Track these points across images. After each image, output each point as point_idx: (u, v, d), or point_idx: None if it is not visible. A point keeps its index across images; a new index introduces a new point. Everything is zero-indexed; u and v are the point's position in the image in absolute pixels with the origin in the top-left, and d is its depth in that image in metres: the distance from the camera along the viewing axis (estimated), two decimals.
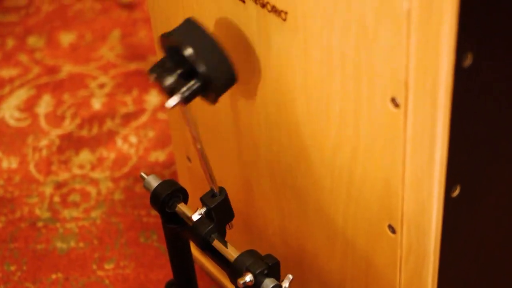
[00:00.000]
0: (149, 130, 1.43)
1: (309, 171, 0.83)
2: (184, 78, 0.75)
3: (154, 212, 1.27)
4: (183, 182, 1.12)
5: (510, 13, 0.64)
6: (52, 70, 1.61)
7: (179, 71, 0.75)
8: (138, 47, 1.66)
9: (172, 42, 0.75)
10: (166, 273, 1.17)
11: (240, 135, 0.92)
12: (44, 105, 1.52)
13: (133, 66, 1.59)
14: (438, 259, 0.75)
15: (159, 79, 0.75)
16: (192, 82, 0.75)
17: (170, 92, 0.75)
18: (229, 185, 0.99)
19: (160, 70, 0.75)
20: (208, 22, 0.85)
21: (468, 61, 0.63)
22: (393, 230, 0.76)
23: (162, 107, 1.47)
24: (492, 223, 0.80)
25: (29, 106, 1.52)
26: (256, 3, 0.77)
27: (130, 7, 1.79)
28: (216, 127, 0.96)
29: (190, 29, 0.75)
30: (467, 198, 0.72)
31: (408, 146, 0.69)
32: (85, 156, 1.40)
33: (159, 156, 1.38)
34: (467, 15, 0.59)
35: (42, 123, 1.48)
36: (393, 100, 0.67)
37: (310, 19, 0.71)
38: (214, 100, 0.77)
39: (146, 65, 1.59)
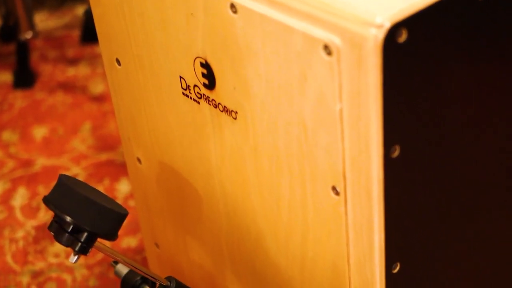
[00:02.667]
0: None
1: (266, 257, 0.90)
2: (78, 231, 0.81)
3: None
4: (153, 267, 1.18)
5: (429, 107, 0.72)
6: (27, 164, 1.68)
7: (70, 228, 0.80)
8: (108, 138, 1.73)
9: (52, 209, 0.82)
10: None
11: (203, 225, 0.99)
12: (20, 197, 1.58)
13: (104, 157, 1.66)
14: None
15: (56, 238, 0.82)
16: (84, 236, 0.81)
17: (68, 247, 0.82)
18: (196, 271, 1.05)
19: (56, 227, 0.82)
20: (169, 121, 0.93)
21: (396, 152, 0.71)
22: None
23: (132, 195, 1.54)
24: None
25: (5, 199, 1.58)
26: (209, 103, 0.85)
27: (100, 99, 1.88)
28: (182, 217, 1.03)
29: (64, 192, 0.80)
30: (407, 273, 0.80)
31: (350, 231, 0.76)
32: (60, 246, 1.45)
33: (131, 242, 1.45)
34: (392, 112, 0.68)
35: (18, 215, 1.54)
36: (334, 189, 0.75)
37: (257, 119, 0.79)
38: (111, 238, 0.83)
39: (116, 155, 1.67)
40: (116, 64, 0.98)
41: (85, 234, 0.81)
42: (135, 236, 1.46)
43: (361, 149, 0.70)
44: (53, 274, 1.40)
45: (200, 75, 0.84)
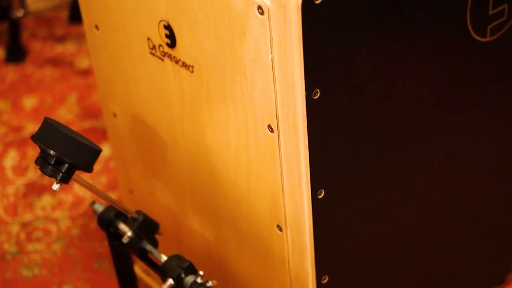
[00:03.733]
0: (102, 176, 1.66)
1: (220, 192, 1.07)
2: (59, 163, 0.96)
3: (105, 244, 1.49)
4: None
5: (343, 55, 0.88)
6: (17, 129, 1.84)
7: (53, 160, 0.96)
8: (91, 108, 1.90)
9: (38, 144, 0.97)
10: None
11: (168, 168, 1.16)
12: (10, 159, 1.75)
13: (87, 124, 1.83)
14: (313, 249, 0.98)
15: (42, 169, 0.97)
16: (65, 167, 0.96)
17: (51, 176, 0.97)
18: (162, 213, 1.22)
19: (41, 161, 0.97)
20: (139, 78, 1.10)
21: (317, 95, 0.87)
22: (280, 229, 0.99)
23: (112, 158, 1.70)
24: (360, 219, 1.03)
25: None
26: (171, 60, 1.01)
27: (85, 74, 2.04)
28: (151, 163, 1.19)
29: (48, 131, 0.96)
30: (332, 199, 0.96)
31: (284, 163, 0.93)
32: (46, 200, 1.62)
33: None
34: (311, 59, 0.84)
35: (9, 174, 1.70)
36: (269, 127, 0.91)
37: (209, 71, 0.96)
38: (88, 170, 0.99)
39: (98, 123, 1.83)
40: (95, 29, 1.15)
41: (66, 165, 0.97)
42: (114, 192, 1.62)
43: (289, 92, 0.87)
44: (40, 225, 1.56)
45: (163, 36, 1.00)
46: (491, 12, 0.99)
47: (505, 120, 1.13)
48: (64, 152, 0.97)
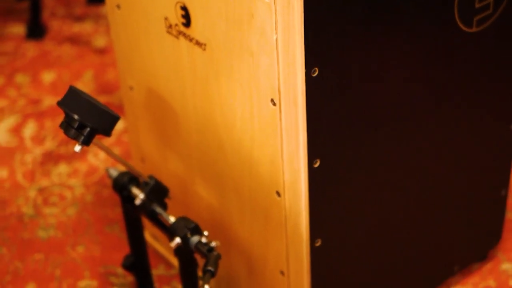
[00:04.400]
0: (115, 148, 1.77)
1: (225, 160, 1.17)
2: (82, 127, 1.07)
3: (117, 210, 1.60)
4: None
5: (341, 39, 0.98)
6: (36, 102, 1.95)
7: (76, 124, 1.07)
8: (107, 84, 2.00)
9: (64, 109, 1.08)
10: (125, 254, 1.49)
11: (179, 138, 1.26)
12: (29, 129, 1.86)
13: (102, 99, 1.93)
14: (308, 214, 1.08)
15: (65, 133, 1.08)
16: (86, 131, 1.06)
17: (74, 139, 1.08)
18: (172, 180, 1.32)
19: (65, 125, 1.08)
20: (155, 54, 1.20)
21: (316, 73, 0.97)
22: (279, 195, 1.10)
23: (125, 131, 1.81)
24: (352, 189, 1.13)
25: (16, 130, 1.85)
26: (186, 39, 1.11)
27: (101, 52, 2.15)
28: (163, 133, 1.30)
29: (73, 97, 1.07)
30: (326, 169, 1.06)
31: (284, 133, 1.03)
32: (62, 168, 1.73)
33: (122, 168, 1.71)
34: (313, 41, 0.94)
35: (28, 143, 1.81)
36: (272, 101, 1.01)
37: (219, 49, 1.06)
38: (107, 134, 1.09)
39: (113, 98, 1.94)
40: (117, 9, 1.25)
41: (88, 129, 1.08)
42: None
43: (290, 70, 0.97)
44: (56, 191, 1.67)
45: (180, 16, 1.11)
46: (477, 5, 1.09)
47: (487, 107, 1.23)
48: (87, 117, 1.07)
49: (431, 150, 1.19)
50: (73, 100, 1.08)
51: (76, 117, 1.07)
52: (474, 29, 1.11)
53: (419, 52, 1.07)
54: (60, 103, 1.09)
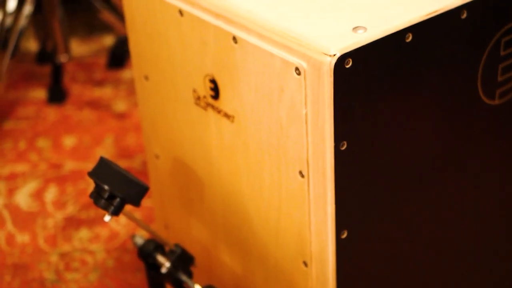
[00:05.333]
0: (136, 213, 1.79)
1: (250, 229, 1.18)
2: (112, 197, 1.09)
3: (138, 275, 1.61)
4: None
5: (370, 114, 1.00)
6: (57, 167, 1.97)
7: (107, 195, 1.09)
8: (127, 149, 2.03)
9: (94, 180, 1.10)
10: None
11: (203, 206, 1.28)
12: (51, 194, 1.88)
13: (123, 164, 1.96)
14: (335, 285, 1.09)
15: (96, 203, 1.10)
16: (116, 201, 1.09)
17: (104, 209, 1.10)
18: (196, 246, 1.34)
19: (95, 195, 1.10)
20: (182, 124, 1.23)
21: (344, 146, 0.99)
22: (306, 265, 1.11)
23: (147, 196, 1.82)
24: (380, 259, 1.14)
25: (38, 195, 1.87)
26: (214, 110, 1.14)
27: (121, 117, 2.18)
28: (187, 201, 1.32)
29: (103, 167, 1.09)
30: (353, 239, 1.07)
31: (312, 204, 1.05)
32: (84, 233, 1.75)
33: (144, 233, 1.73)
34: (341, 116, 0.96)
35: (49, 207, 1.83)
36: (300, 172, 1.03)
37: (248, 121, 1.08)
38: (136, 204, 1.11)
39: (133, 163, 1.96)
40: (144, 80, 1.28)
41: (117, 199, 1.10)
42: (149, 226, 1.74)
43: (319, 143, 0.99)
44: (78, 256, 1.69)
45: (208, 89, 1.13)
46: (500, 79, 1.11)
47: (507, 178, 1.24)
48: (117, 188, 1.09)
49: (456, 215, 1.20)
50: (103, 171, 1.10)
51: (106, 187, 1.09)
52: (496, 102, 1.13)
53: (443, 123, 1.09)
54: (91, 174, 1.11)
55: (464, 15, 1.03)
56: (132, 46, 1.29)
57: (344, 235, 1.06)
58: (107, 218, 1.10)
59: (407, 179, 1.10)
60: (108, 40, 2.56)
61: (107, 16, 2.34)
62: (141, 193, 1.11)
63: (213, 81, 1.11)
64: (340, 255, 1.07)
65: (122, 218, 1.78)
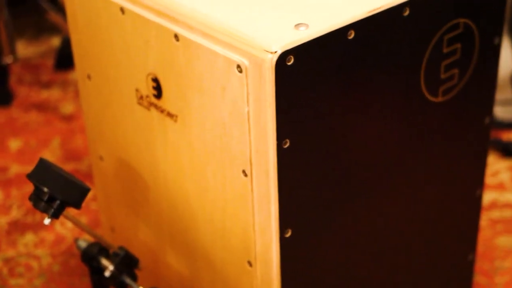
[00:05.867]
0: (83, 216, 1.76)
1: (197, 230, 1.17)
2: (51, 200, 1.07)
3: (84, 280, 1.58)
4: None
5: (312, 111, 1.00)
6: (2, 170, 1.93)
7: (46, 197, 1.07)
8: (74, 151, 2.00)
9: (33, 182, 1.08)
10: None
11: (149, 208, 1.26)
12: None
13: (70, 166, 1.93)
14: (280, 285, 1.08)
15: (35, 206, 1.07)
16: (56, 204, 1.06)
17: (43, 212, 1.07)
18: (142, 249, 1.32)
19: (34, 197, 1.07)
20: (127, 124, 1.21)
21: (287, 144, 0.98)
22: (250, 265, 1.10)
23: (94, 199, 1.80)
24: (324, 257, 1.13)
25: None
26: (157, 109, 1.12)
27: (68, 119, 2.15)
28: (133, 203, 1.30)
29: (43, 169, 1.07)
30: (298, 238, 1.07)
31: (255, 204, 1.04)
32: (29, 238, 1.71)
33: (89, 237, 1.70)
34: (283, 114, 0.96)
35: None
36: (244, 172, 1.02)
37: (191, 121, 1.07)
38: (77, 207, 1.09)
39: (80, 165, 1.93)
40: (87, 79, 1.26)
41: (57, 202, 1.07)
42: (95, 230, 1.71)
43: (262, 141, 0.98)
44: (23, 261, 1.65)
45: (151, 88, 1.12)
46: (443, 76, 1.12)
47: (454, 174, 1.25)
48: (56, 190, 1.07)
49: (399, 215, 1.20)
50: (43, 173, 1.08)
51: (45, 189, 1.06)
52: (440, 99, 1.14)
53: (388, 122, 1.09)
54: (29, 176, 1.08)
55: (407, 12, 1.02)
56: (74, 45, 1.27)
57: (288, 234, 1.05)
58: (46, 221, 1.08)
59: (352, 178, 1.09)
60: (56, 41, 2.52)
61: (54, 17, 2.31)
62: (82, 195, 1.09)
63: (155, 80, 1.10)
64: (284, 254, 1.06)
65: (68, 222, 1.75)
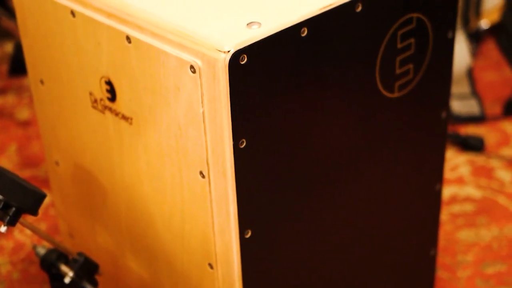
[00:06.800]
0: (42, 223, 1.73)
1: (156, 234, 1.16)
2: (7, 207, 1.04)
3: (44, 287, 1.56)
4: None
5: (267, 110, 0.99)
6: None
7: (1, 204, 1.04)
8: (32, 157, 1.97)
9: None
10: None
11: (107, 212, 1.24)
12: None
13: (27, 173, 1.90)
14: (242, 286, 1.07)
15: None
16: (12, 211, 1.04)
17: None
18: (102, 255, 1.30)
19: None
20: (81, 129, 1.19)
21: (243, 144, 0.98)
22: (211, 267, 1.09)
23: (52, 205, 1.77)
24: (285, 257, 1.13)
25: None
26: (111, 113, 1.11)
27: (25, 125, 2.12)
28: (91, 208, 1.28)
29: None
30: (258, 238, 1.06)
31: (214, 205, 1.03)
32: None
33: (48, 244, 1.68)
34: (239, 113, 0.95)
35: None
36: (201, 173, 1.01)
37: (146, 123, 1.06)
38: (34, 213, 1.07)
39: (38, 172, 1.91)
40: (40, 84, 1.24)
41: (13, 209, 1.05)
42: (54, 237, 1.69)
43: (218, 142, 0.97)
44: None
45: (104, 91, 1.10)
46: (398, 71, 1.12)
47: (412, 168, 1.25)
48: (12, 197, 1.05)
49: (359, 210, 1.20)
50: None
51: (0, 197, 1.04)
52: (396, 94, 1.14)
53: (345, 119, 1.09)
54: None
55: (359, 8, 1.02)
56: (26, 50, 1.25)
57: (248, 235, 1.05)
58: (2, 229, 1.06)
59: (311, 176, 1.09)
60: (9, 47, 2.48)
61: (6, 22, 2.27)
62: (38, 201, 1.07)
63: (109, 83, 1.08)
64: (245, 255, 1.05)
65: (26, 228, 1.72)
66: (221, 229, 1.04)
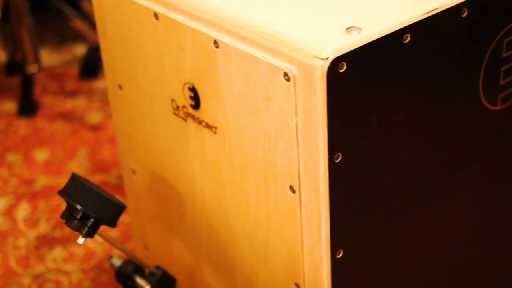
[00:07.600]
0: (113, 231, 1.69)
1: (237, 249, 1.10)
2: (85, 218, 1.00)
3: None
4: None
5: (366, 121, 0.92)
6: (29, 182, 1.87)
7: (80, 215, 1.00)
8: (102, 162, 1.93)
9: (66, 199, 1.01)
10: None
11: (185, 225, 1.19)
12: (22, 211, 1.78)
13: (97, 178, 1.86)
14: None
15: (68, 224, 1.01)
16: (90, 222, 1.00)
17: (77, 231, 1.00)
18: (178, 267, 1.25)
19: (67, 215, 1.00)
20: (161, 136, 1.14)
21: (339, 158, 0.91)
22: (298, 286, 1.02)
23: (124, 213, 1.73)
24: (377, 278, 1.06)
25: (9, 212, 1.77)
26: (194, 121, 1.05)
27: (95, 129, 2.08)
28: (168, 219, 1.23)
29: (75, 184, 1.00)
30: (350, 258, 0.99)
31: (304, 222, 0.96)
32: (58, 253, 1.65)
33: (120, 252, 1.63)
34: (335, 125, 0.88)
35: (21, 225, 1.73)
36: (291, 188, 0.95)
37: (232, 132, 0.99)
38: (112, 225, 1.02)
39: (108, 177, 1.86)
40: (118, 89, 1.19)
41: (91, 220, 1.00)
42: (127, 244, 1.65)
43: (311, 155, 0.90)
44: (52, 277, 1.59)
45: (188, 98, 1.04)
46: (502, 82, 1.04)
47: (508, 183, 1.17)
48: (91, 208, 1.00)
49: (456, 228, 1.12)
50: (75, 189, 1.01)
51: (79, 207, 1.00)
52: (499, 107, 1.06)
53: (444, 131, 1.01)
54: (62, 192, 1.02)
55: (465, 13, 0.95)
56: (104, 53, 1.20)
57: (340, 255, 0.98)
58: (80, 240, 1.01)
59: (407, 192, 1.01)
60: (80, 49, 2.46)
61: (78, 24, 2.25)
62: (117, 213, 1.02)
63: (192, 90, 1.03)
64: (335, 276, 0.98)
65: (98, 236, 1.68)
66: (310, 248, 0.97)
